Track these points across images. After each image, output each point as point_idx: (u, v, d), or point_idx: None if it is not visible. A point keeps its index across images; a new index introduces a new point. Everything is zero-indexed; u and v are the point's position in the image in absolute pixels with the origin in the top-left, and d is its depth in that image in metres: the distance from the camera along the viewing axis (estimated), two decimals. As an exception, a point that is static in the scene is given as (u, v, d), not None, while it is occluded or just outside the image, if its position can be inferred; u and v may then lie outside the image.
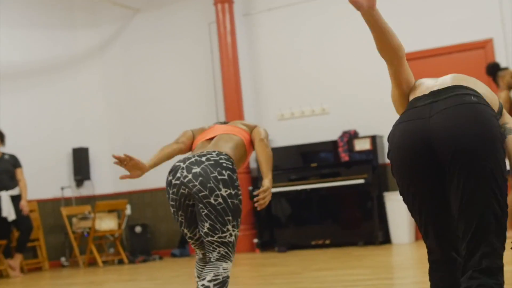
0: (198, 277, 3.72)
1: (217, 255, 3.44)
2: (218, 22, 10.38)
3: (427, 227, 2.78)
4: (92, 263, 10.46)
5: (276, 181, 9.45)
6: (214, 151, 3.51)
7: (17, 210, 9.29)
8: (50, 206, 10.90)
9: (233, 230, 3.45)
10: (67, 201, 11.08)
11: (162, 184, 11.07)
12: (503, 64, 8.70)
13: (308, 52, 10.29)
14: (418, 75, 3.05)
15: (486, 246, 2.54)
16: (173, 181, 3.49)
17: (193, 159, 3.47)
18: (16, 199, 9.33)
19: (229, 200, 3.41)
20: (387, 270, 6.88)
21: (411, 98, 2.82)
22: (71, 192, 11.19)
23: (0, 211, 9.18)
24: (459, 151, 2.52)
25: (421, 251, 7.85)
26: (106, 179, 11.59)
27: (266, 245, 9.96)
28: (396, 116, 2.91)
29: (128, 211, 11.03)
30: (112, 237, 10.72)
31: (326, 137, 9.89)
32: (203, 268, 3.73)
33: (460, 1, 9.30)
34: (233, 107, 10.05)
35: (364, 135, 9.57)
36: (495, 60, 8.89)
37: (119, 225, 10.53)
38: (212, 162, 3.43)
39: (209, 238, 3.42)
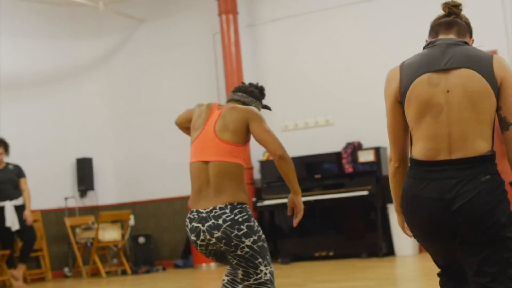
0: (226, 275, 3.85)
1: None
2: (223, 33, 10.40)
3: (439, 263, 2.96)
4: (95, 273, 10.45)
5: (278, 192, 9.45)
6: (226, 206, 3.54)
7: (21, 220, 9.28)
8: (53, 216, 10.89)
9: (266, 268, 3.58)
10: (71, 211, 11.08)
11: (166, 194, 11.09)
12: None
13: (312, 63, 10.29)
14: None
15: None
16: (199, 242, 3.59)
17: (210, 223, 3.52)
18: (20, 209, 9.32)
19: (254, 246, 3.53)
20: (391, 282, 6.86)
21: (415, 130, 2.78)
22: (74, 202, 11.19)
23: (3, 221, 9.18)
24: (479, 234, 2.66)
25: (425, 263, 7.83)
26: (109, 189, 11.59)
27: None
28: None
29: (131, 221, 11.02)
30: (116, 248, 10.71)
31: (330, 149, 9.88)
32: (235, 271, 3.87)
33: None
34: (237, 117, 10.05)
35: (368, 147, 9.56)
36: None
37: (123, 235, 10.52)
38: (229, 222, 3.51)
39: (246, 283, 3.57)
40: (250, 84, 3.98)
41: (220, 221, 3.50)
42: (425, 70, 2.72)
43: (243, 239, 3.49)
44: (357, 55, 9.95)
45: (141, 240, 10.87)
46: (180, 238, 11.00)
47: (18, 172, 9.47)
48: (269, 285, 3.58)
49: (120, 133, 11.70)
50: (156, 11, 11.55)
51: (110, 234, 10.29)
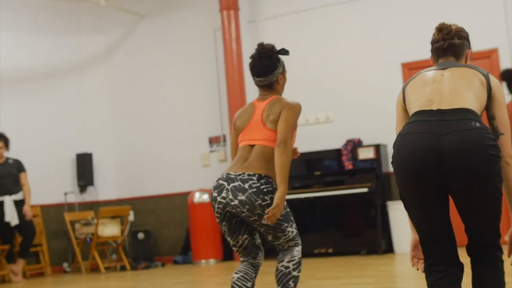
0: (236, 272, 3.91)
1: (288, 247, 3.84)
2: (224, 29, 10.39)
3: (424, 232, 2.98)
4: (94, 269, 10.45)
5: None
6: (254, 175, 3.75)
7: (21, 215, 9.28)
8: (53, 212, 10.89)
9: (292, 227, 3.82)
10: (70, 207, 11.09)
11: (165, 190, 11.10)
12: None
13: (313, 60, 10.29)
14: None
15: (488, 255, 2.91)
16: (219, 198, 3.76)
17: (236, 184, 3.71)
18: (19, 204, 9.33)
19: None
20: (390, 280, 6.86)
21: (414, 104, 2.98)
22: (74, 197, 11.19)
23: (3, 215, 9.18)
24: (467, 170, 2.75)
25: (424, 260, 7.83)
26: (109, 185, 11.59)
27: (269, 253, 9.89)
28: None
29: (131, 217, 11.02)
30: (115, 243, 10.71)
31: (330, 145, 9.88)
32: (246, 268, 3.91)
33: (465, 11, 9.29)
34: (238, 114, 10.04)
35: (368, 144, 9.56)
36: (503, 68, 8.84)
37: (122, 231, 10.52)
38: (255, 189, 3.69)
39: (276, 243, 3.83)
40: (260, 56, 4.05)
41: (246, 186, 3.70)
42: (421, 71, 3.05)
43: (266, 210, 3.65)
44: (358, 52, 9.94)
45: (141, 236, 10.87)
46: (179, 234, 11.01)
47: (18, 167, 9.47)
48: (297, 239, 3.85)
49: (121, 128, 11.70)
50: (158, 7, 11.54)
51: (109, 229, 10.29)
